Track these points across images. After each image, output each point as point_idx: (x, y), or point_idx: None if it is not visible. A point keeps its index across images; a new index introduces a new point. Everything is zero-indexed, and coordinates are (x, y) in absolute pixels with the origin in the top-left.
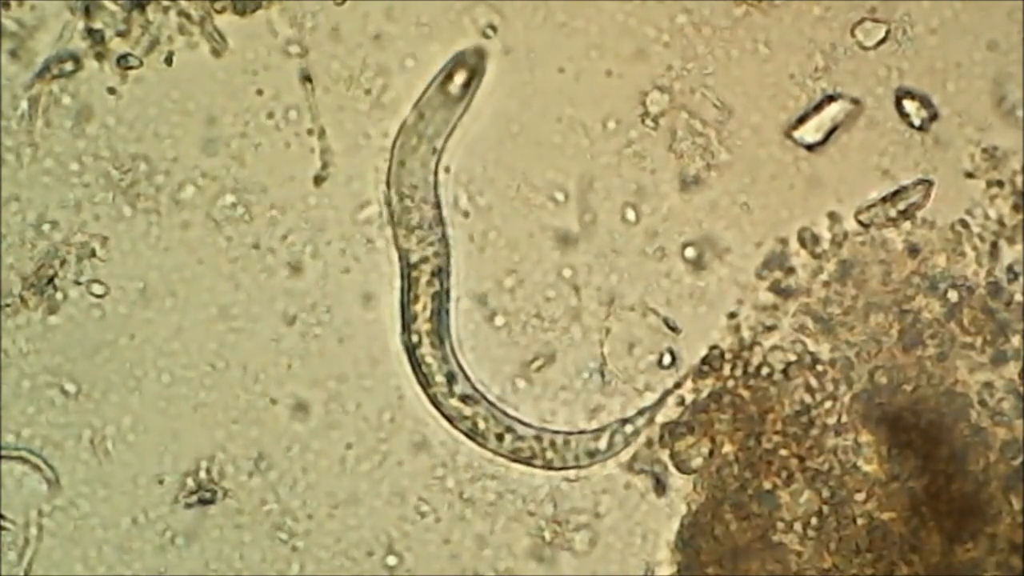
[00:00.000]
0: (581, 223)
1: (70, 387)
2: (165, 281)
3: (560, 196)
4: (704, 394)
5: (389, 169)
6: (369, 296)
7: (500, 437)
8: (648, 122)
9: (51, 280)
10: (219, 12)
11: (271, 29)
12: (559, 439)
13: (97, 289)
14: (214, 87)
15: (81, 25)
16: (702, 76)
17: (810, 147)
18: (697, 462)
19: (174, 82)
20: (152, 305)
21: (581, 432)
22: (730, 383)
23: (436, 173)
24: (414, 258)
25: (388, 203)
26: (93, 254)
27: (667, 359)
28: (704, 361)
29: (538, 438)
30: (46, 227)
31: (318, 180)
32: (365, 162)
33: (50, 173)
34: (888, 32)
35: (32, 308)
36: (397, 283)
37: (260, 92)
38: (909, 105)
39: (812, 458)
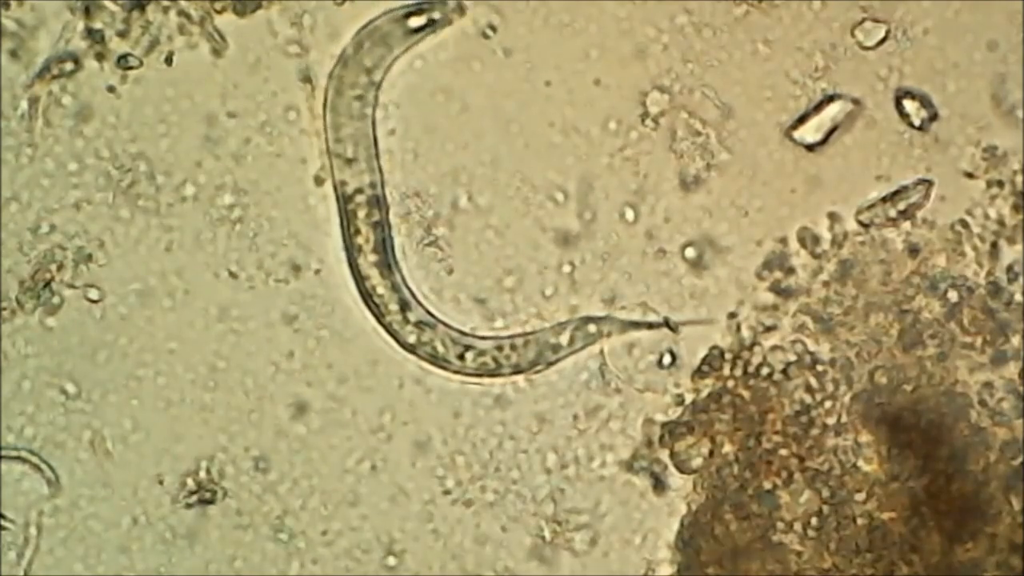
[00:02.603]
0: (581, 223)
1: (70, 387)
2: (164, 281)
3: (560, 196)
4: (704, 394)
5: (325, 98)
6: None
7: (461, 357)
8: (648, 122)
9: (47, 284)
10: (219, 12)
11: (271, 29)
12: (519, 341)
13: (93, 294)
14: (214, 87)
15: (81, 25)
16: (702, 76)
17: (810, 147)
18: (697, 462)
19: (174, 82)
20: (151, 305)
21: (541, 330)
22: (730, 383)
23: (375, 107)
24: (349, 189)
25: (324, 133)
26: (90, 259)
27: (667, 359)
28: (704, 361)
29: (498, 347)
30: (44, 229)
31: (318, 180)
32: None
33: (49, 174)
34: (888, 32)
35: (28, 312)
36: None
37: (260, 92)
38: (909, 105)
39: (812, 458)
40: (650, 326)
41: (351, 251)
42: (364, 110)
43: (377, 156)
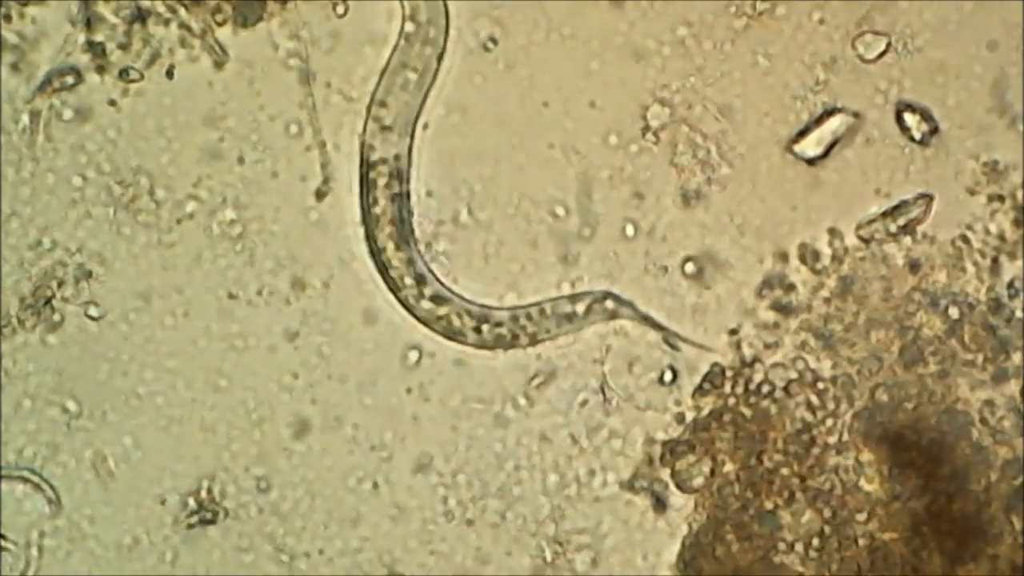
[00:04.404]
0: (581, 238)
1: (71, 406)
2: (165, 298)
3: (560, 211)
4: (705, 412)
5: (389, 61)
6: (371, 312)
7: (478, 330)
8: (649, 136)
9: (48, 301)
10: (220, 25)
11: (272, 42)
12: (535, 311)
13: (93, 311)
14: (215, 100)
15: (82, 38)
16: (703, 90)
17: (811, 161)
18: (698, 481)
19: (175, 95)
20: (152, 322)
21: (557, 298)
22: (731, 401)
23: (431, 86)
24: (374, 156)
25: (374, 92)
26: (90, 275)
27: (668, 376)
28: (705, 379)
29: (514, 318)
30: (45, 245)
31: (320, 194)
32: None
33: (51, 189)
34: (889, 45)
35: (29, 329)
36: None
37: (261, 105)
38: (910, 119)
39: (813, 477)
40: (661, 328)
41: (368, 221)
42: (421, 82)
43: (414, 131)
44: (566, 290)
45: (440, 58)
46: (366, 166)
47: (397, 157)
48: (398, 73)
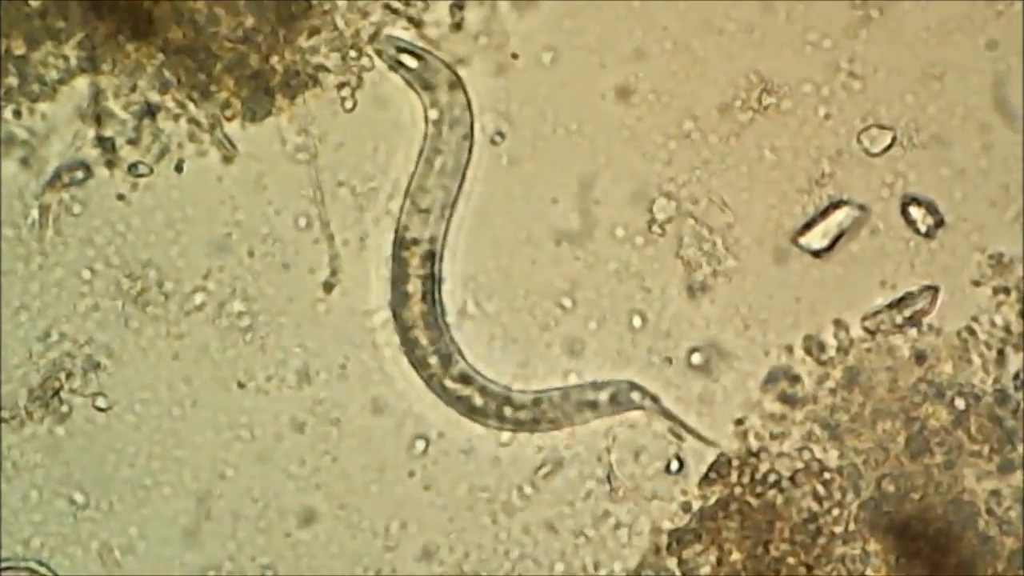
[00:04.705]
0: (588, 331)
1: (78, 497)
2: (173, 390)
3: (567, 302)
4: (711, 501)
5: (425, 140)
6: (378, 402)
7: (499, 412)
8: (655, 229)
9: (56, 393)
10: (229, 119)
11: (281, 136)
12: (556, 395)
13: (101, 403)
14: (224, 194)
15: (92, 133)
16: (709, 182)
17: (816, 253)
18: (705, 570)
19: (184, 189)
20: (160, 413)
21: (580, 385)
22: (737, 491)
23: (467, 166)
24: (408, 236)
25: (412, 174)
26: (99, 367)
27: (674, 465)
28: (711, 468)
29: (536, 401)
30: (54, 335)
31: (328, 287)
32: (375, 268)
33: (60, 282)
34: (894, 139)
35: (37, 421)
36: (406, 381)
37: (269, 199)
38: (915, 212)
39: (820, 567)
40: (690, 430)
41: (397, 300)
42: (458, 165)
43: (450, 219)
44: (573, 380)
45: (471, 139)
46: (399, 246)
47: (432, 240)
48: (432, 158)
